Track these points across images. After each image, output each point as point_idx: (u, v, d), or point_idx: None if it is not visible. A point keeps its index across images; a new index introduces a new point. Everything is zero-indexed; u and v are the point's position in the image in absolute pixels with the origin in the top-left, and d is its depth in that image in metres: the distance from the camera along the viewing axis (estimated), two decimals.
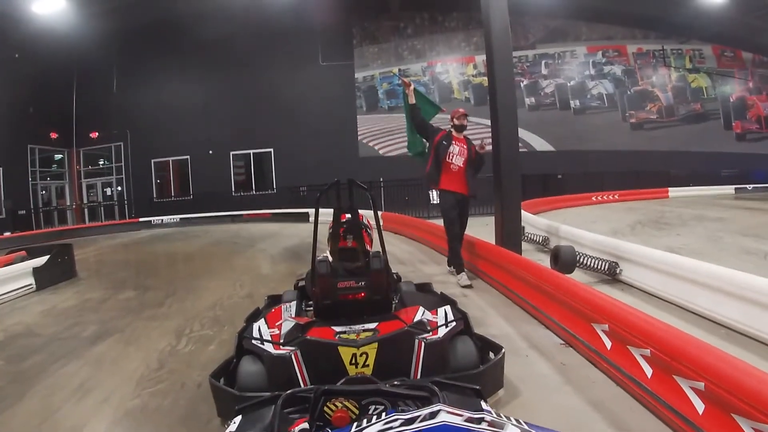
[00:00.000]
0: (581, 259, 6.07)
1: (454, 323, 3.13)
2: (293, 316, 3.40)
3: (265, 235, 14.02)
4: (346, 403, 1.34)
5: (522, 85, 21.52)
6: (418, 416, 0.88)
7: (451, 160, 6.05)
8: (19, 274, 7.47)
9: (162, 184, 22.00)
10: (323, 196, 3.70)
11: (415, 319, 3.10)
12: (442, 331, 3.03)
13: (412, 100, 6.25)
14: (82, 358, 4.34)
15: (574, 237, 7.10)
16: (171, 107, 20.81)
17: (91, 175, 21.99)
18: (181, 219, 19.74)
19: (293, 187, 19.11)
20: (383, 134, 21.17)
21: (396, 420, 0.89)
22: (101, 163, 21.93)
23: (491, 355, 3.12)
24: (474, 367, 2.96)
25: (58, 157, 20.96)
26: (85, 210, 21.25)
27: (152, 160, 21.78)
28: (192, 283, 7.49)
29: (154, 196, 21.80)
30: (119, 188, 21.80)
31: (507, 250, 6.06)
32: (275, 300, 4.28)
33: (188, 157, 21.51)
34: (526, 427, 0.86)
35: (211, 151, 20.99)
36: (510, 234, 6.90)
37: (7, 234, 16.34)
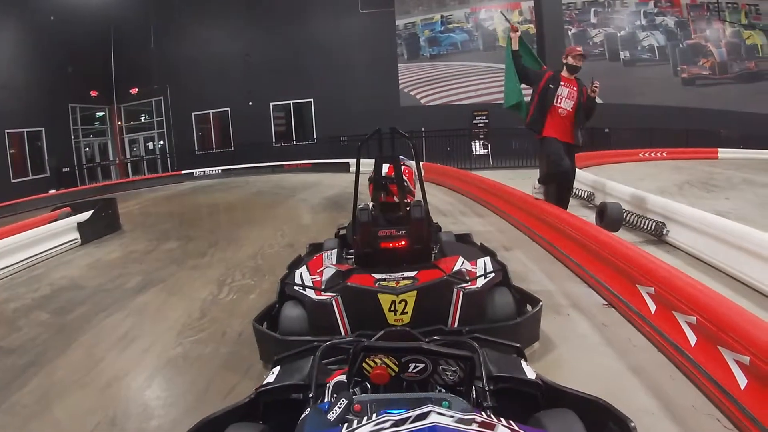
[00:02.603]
0: (627, 218, 5.60)
1: (492, 274, 3.10)
2: (334, 263, 3.37)
3: (305, 185, 13.81)
4: (386, 360, 1.26)
5: (570, 33, 20.01)
6: (409, 417, 0.87)
7: (559, 103, 5.18)
8: (64, 229, 7.54)
9: (203, 136, 22.04)
10: (364, 145, 3.67)
11: (455, 269, 3.07)
12: (480, 282, 3.01)
13: (516, 46, 5.44)
14: (126, 309, 4.32)
15: (621, 194, 6.58)
16: (210, 60, 20.53)
17: (133, 130, 22.21)
18: (222, 170, 19.78)
19: (333, 137, 18.80)
20: (425, 83, 20.31)
21: (387, 421, 0.88)
22: (142, 118, 22.09)
23: (528, 307, 3.09)
24: (511, 319, 2.93)
25: (99, 114, 21.14)
26: (128, 165, 21.58)
27: (193, 113, 21.74)
28: (234, 232, 7.43)
29: (196, 148, 21.91)
30: (161, 142, 22.00)
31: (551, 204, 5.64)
32: (317, 248, 4.24)
33: (228, 109, 21.37)
34: (516, 428, 0.85)
35: (251, 103, 20.74)
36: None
37: (52, 191, 16.58)
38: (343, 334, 2.83)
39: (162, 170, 21.06)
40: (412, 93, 20.33)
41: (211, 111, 21.56)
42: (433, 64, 20.22)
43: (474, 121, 17.27)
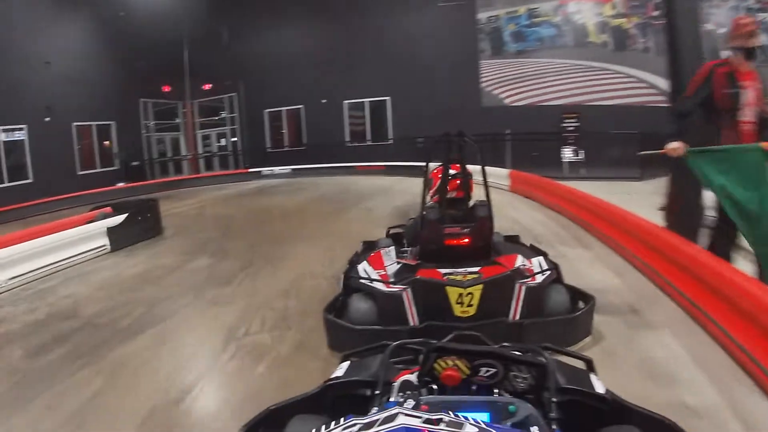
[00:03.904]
0: None
1: (548, 272, 3.32)
2: (395, 259, 3.66)
3: (375, 190, 12.35)
4: (458, 362, 1.22)
5: (712, 18, 16.77)
6: (377, 420, 0.86)
7: (744, 115, 3.34)
8: (93, 234, 6.66)
9: (276, 134, 21.32)
10: (432, 148, 3.83)
11: (516, 265, 3.28)
12: (539, 278, 3.22)
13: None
14: (102, 362, 3.33)
15: None
16: (284, 56, 19.75)
17: (206, 126, 21.90)
18: (293, 170, 18.94)
19: (410, 138, 17.30)
20: (509, 81, 18.19)
21: (355, 425, 0.87)
22: (221, 114, 21.81)
23: (580, 304, 3.25)
24: (565, 314, 3.13)
25: (172, 109, 20.90)
26: (200, 160, 21.30)
27: (266, 110, 21.12)
28: (277, 249, 6.26)
29: (268, 146, 21.19)
30: (233, 139, 21.63)
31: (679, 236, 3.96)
32: (370, 245, 4.52)
33: (301, 106, 20.55)
34: (484, 426, 0.84)
35: (324, 100, 19.85)
36: (686, 213, 4.52)
37: (120, 184, 16.31)
38: (411, 324, 3.01)
39: (233, 167, 20.68)
40: (495, 92, 18.36)
41: (283, 108, 20.79)
42: (518, 60, 18.19)
43: (563, 124, 15.14)
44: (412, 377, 1.29)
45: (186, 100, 20.35)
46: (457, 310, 2.99)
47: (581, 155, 13.71)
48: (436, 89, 17.62)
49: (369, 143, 19.45)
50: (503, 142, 14.65)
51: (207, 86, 20.29)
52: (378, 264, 3.57)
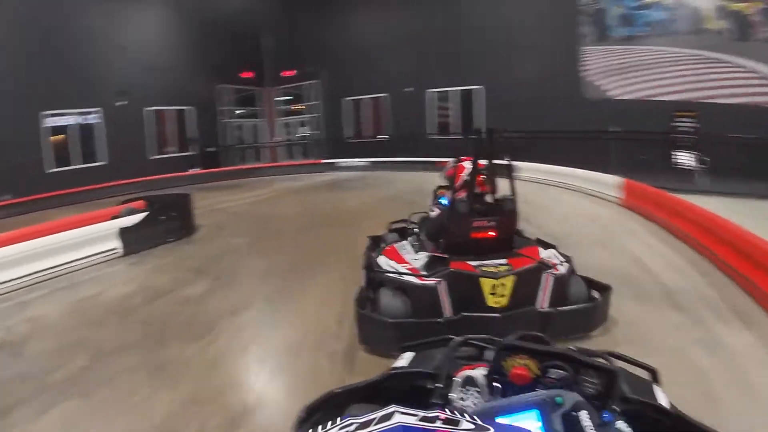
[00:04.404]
0: None
1: (567, 263, 3.51)
2: (417, 252, 3.78)
3: None
4: (528, 362, 1.20)
5: None
6: (373, 419, 0.83)
7: None
8: (104, 234, 5.84)
9: (356, 123, 20.35)
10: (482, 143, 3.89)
11: (542, 257, 3.48)
12: (561, 269, 3.40)
13: None
14: None
15: None
16: (368, 42, 18.75)
17: (285, 114, 21.40)
18: (371, 162, 17.90)
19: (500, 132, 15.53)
20: (615, 71, 15.73)
21: (352, 424, 0.83)
22: (301, 102, 21.24)
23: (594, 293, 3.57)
24: (584, 302, 3.33)
25: (251, 96, 20.45)
26: (278, 149, 20.82)
27: (347, 99, 20.16)
28: (299, 277, 5.07)
29: (348, 136, 20.15)
30: (313, 127, 20.98)
31: None
32: (376, 240, 4.66)
33: (383, 95, 19.30)
34: (479, 422, 0.81)
35: (409, 89, 18.50)
36: None
37: (193, 170, 16.31)
38: (447, 315, 3.12)
39: (311, 156, 20.09)
40: (598, 83, 15.92)
41: (365, 97, 19.72)
42: (624, 48, 15.59)
43: (674, 124, 12.50)
44: (474, 372, 1.27)
45: (266, 87, 19.91)
46: (490, 301, 3.11)
47: (698, 162, 11.13)
48: (532, 78, 15.62)
49: (454, 136, 17.53)
50: (606, 141, 12.41)
51: (288, 73, 19.67)
52: (398, 257, 3.67)
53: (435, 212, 4.22)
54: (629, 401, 1.26)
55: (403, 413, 0.82)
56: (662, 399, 1.33)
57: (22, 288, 4.99)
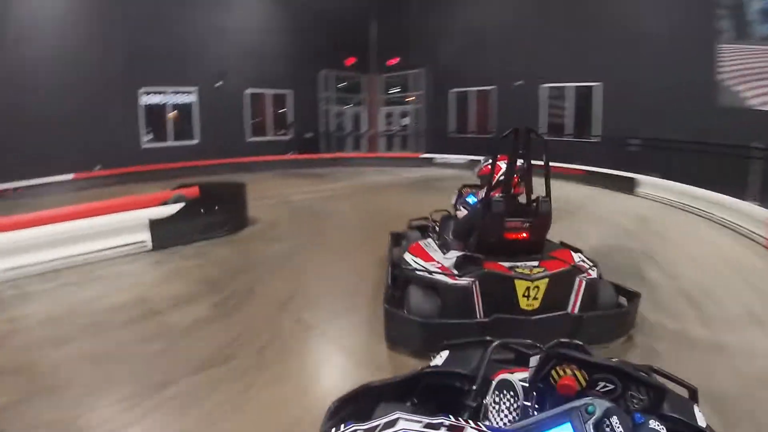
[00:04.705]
0: None
1: (595, 268, 3.45)
2: (446, 251, 3.69)
3: (563, 205, 9.03)
4: (577, 373, 1.16)
5: None
6: (377, 425, 0.88)
7: None
8: (134, 225, 5.35)
9: (460, 117, 19.00)
10: (502, 143, 3.82)
11: (576, 261, 3.40)
12: (593, 272, 3.38)
13: None
14: None
15: None
16: (477, 31, 17.49)
17: (389, 103, 20.66)
18: (470, 160, 16.28)
19: (619, 138, 13.58)
20: (755, 75, 12.80)
21: (356, 431, 0.89)
22: (406, 92, 20.44)
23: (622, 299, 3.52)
24: (612, 307, 3.32)
25: (355, 83, 20.01)
26: (378, 139, 20.17)
27: (452, 90, 18.92)
28: (325, 316, 4.19)
29: (451, 129, 18.99)
30: (415, 119, 20.06)
31: None
32: (397, 238, 4.80)
33: (493, 87, 17.81)
34: (484, 429, 0.87)
35: (519, 82, 16.87)
36: None
37: (291, 154, 16.35)
38: (479, 316, 3.07)
39: (410, 149, 19.31)
40: (736, 89, 13.03)
41: (472, 89, 18.43)
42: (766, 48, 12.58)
43: None
44: (512, 377, 1.27)
45: (370, 74, 19.29)
46: (523, 303, 3.09)
47: None
48: (657, 79, 13.53)
49: (568, 139, 15.83)
50: (744, 159, 10.05)
51: (392, 61, 18.89)
52: (425, 255, 3.61)
53: (461, 211, 4.14)
54: (667, 418, 1.22)
55: (407, 419, 0.87)
56: (701, 420, 1.30)
57: (37, 275, 4.64)
